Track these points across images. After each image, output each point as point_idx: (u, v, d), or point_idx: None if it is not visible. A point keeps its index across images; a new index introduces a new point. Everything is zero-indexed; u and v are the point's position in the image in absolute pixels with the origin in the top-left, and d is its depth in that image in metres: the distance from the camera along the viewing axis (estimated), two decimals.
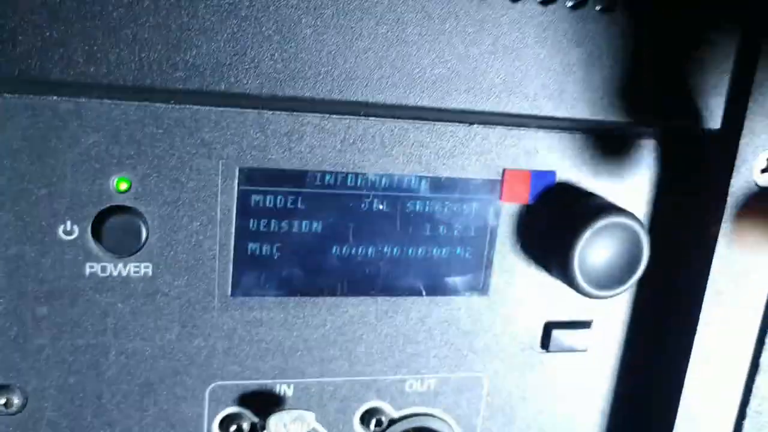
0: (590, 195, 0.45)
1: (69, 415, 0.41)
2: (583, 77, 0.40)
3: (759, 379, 0.48)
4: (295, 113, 0.39)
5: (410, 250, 0.44)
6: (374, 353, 0.45)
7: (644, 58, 0.40)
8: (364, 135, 0.41)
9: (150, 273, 0.40)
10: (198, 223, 0.40)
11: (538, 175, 0.44)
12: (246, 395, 0.43)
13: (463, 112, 0.39)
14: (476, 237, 0.45)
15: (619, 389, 0.51)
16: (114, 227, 0.37)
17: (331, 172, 0.41)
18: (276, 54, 0.35)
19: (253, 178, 0.40)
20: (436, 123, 0.42)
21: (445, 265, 0.44)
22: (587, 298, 0.45)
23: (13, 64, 0.32)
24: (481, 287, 0.46)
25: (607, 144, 0.45)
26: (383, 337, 0.45)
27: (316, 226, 0.42)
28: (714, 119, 0.43)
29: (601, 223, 0.42)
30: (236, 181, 0.39)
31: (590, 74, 0.40)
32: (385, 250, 0.43)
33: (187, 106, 0.38)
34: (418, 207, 0.43)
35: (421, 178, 0.43)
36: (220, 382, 0.43)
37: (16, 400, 0.39)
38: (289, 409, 0.43)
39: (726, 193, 0.43)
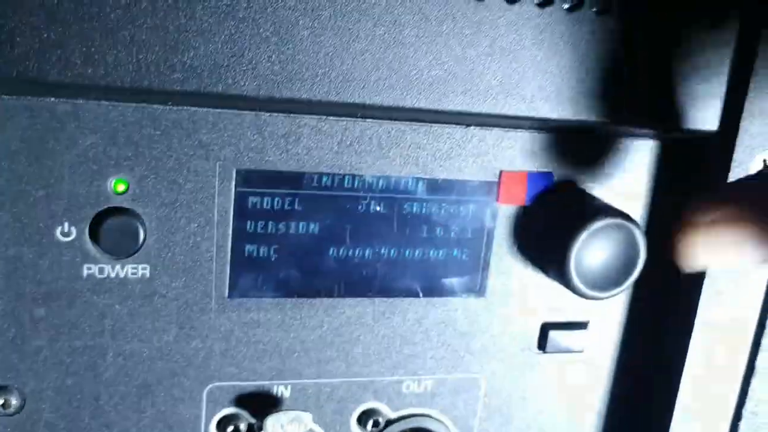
0: (587, 196, 0.46)
1: (67, 417, 0.41)
2: (580, 79, 0.40)
3: (755, 381, 0.48)
4: (292, 115, 0.40)
5: (407, 252, 0.44)
6: (371, 354, 0.45)
7: (641, 60, 0.41)
8: (361, 137, 0.41)
9: (147, 274, 0.40)
10: (195, 225, 0.40)
11: (534, 176, 0.45)
12: (243, 396, 0.43)
13: (460, 113, 0.39)
14: (473, 238, 0.45)
15: (615, 390, 0.51)
16: (111, 229, 0.38)
17: (328, 174, 0.41)
18: (273, 56, 0.35)
19: (250, 179, 0.40)
20: (433, 125, 0.42)
21: (442, 266, 0.45)
22: (584, 299, 0.45)
23: (10, 65, 0.32)
24: (478, 288, 0.46)
25: (604, 146, 0.46)
26: (380, 338, 0.45)
27: (314, 227, 0.42)
28: (710, 121, 0.43)
29: (598, 224, 0.42)
30: (233, 183, 0.40)
31: (587, 76, 0.40)
32: (382, 251, 0.43)
33: (185, 107, 0.38)
34: (415, 209, 0.43)
35: (418, 179, 0.43)
36: (217, 383, 0.43)
37: (14, 401, 0.39)
38: (287, 410, 0.43)
39: None
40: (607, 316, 0.50)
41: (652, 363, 0.49)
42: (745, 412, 0.48)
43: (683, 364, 0.47)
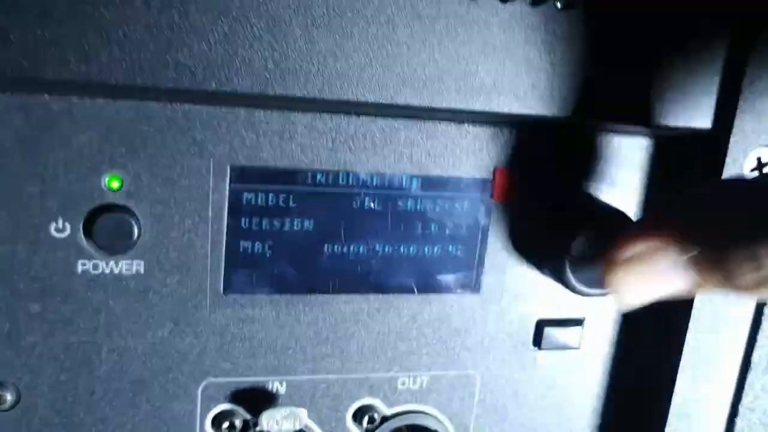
0: (581, 194, 0.46)
1: (62, 412, 0.41)
2: (574, 77, 0.40)
3: (751, 377, 0.48)
4: (286, 112, 0.40)
5: (402, 248, 0.44)
6: (366, 351, 0.45)
7: (635, 58, 0.41)
8: (356, 134, 0.41)
9: (142, 271, 0.40)
10: (190, 221, 0.40)
11: (529, 173, 0.45)
12: (238, 392, 0.44)
13: (453, 111, 0.39)
14: (468, 235, 0.45)
15: (611, 386, 0.51)
16: (106, 225, 0.38)
17: (322, 171, 0.41)
18: (267, 53, 0.35)
19: (244, 176, 0.40)
20: (428, 122, 0.42)
21: (437, 263, 0.45)
22: (579, 296, 0.45)
23: (5, 62, 0.32)
24: (473, 285, 0.46)
25: (599, 143, 0.46)
26: (375, 334, 0.45)
27: (308, 224, 0.42)
28: (704, 118, 0.43)
29: (592, 222, 0.43)
30: (227, 180, 0.40)
31: (580, 74, 0.40)
32: (377, 248, 0.43)
33: (179, 105, 0.38)
34: (409, 205, 0.43)
35: (412, 176, 0.43)
36: (212, 380, 0.43)
37: (9, 397, 0.39)
38: (282, 406, 0.43)
39: None
40: (603, 313, 0.50)
41: (648, 359, 0.49)
42: (742, 407, 0.49)
43: (679, 360, 0.47)
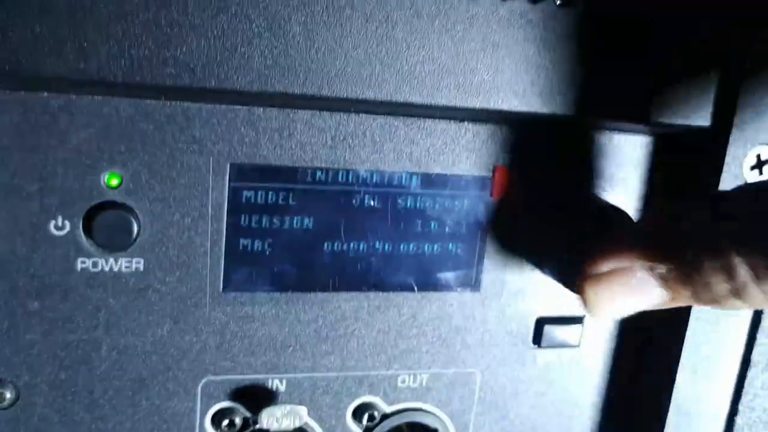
0: (581, 192, 0.46)
1: (61, 410, 0.41)
2: (573, 74, 0.40)
3: (751, 374, 0.48)
4: (285, 110, 0.40)
5: (402, 246, 0.44)
6: (366, 348, 0.45)
7: (634, 55, 0.41)
8: (355, 131, 0.41)
9: (141, 268, 0.40)
10: (189, 219, 0.40)
11: (528, 171, 0.45)
12: (238, 390, 0.44)
13: (453, 108, 0.39)
14: (468, 233, 0.45)
15: (611, 384, 0.51)
16: (105, 223, 0.38)
17: (322, 169, 0.41)
18: (266, 50, 0.35)
19: (244, 174, 0.40)
20: (427, 119, 0.42)
21: (437, 261, 0.45)
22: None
23: (3, 59, 0.32)
24: (472, 283, 0.46)
25: (598, 141, 0.46)
26: (375, 332, 0.45)
27: (308, 222, 0.42)
28: (703, 116, 0.43)
29: (591, 220, 0.43)
30: (227, 177, 0.40)
31: (580, 71, 0.40)
32: (377, 246, 0.43)
33: (178, 102, 0.38)
34: (409, 203, 0.43)
35: (412, 174, 0.43)
36: (212, 377, 0.43)
37: (8, 395, 0.39)
38: (282, 403, 0.43)
39: (716, 191, 0.43)
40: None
41: (648, 357, 0.49)
42: (741, 406, 0.48)
43: (679, 358, 0.47)
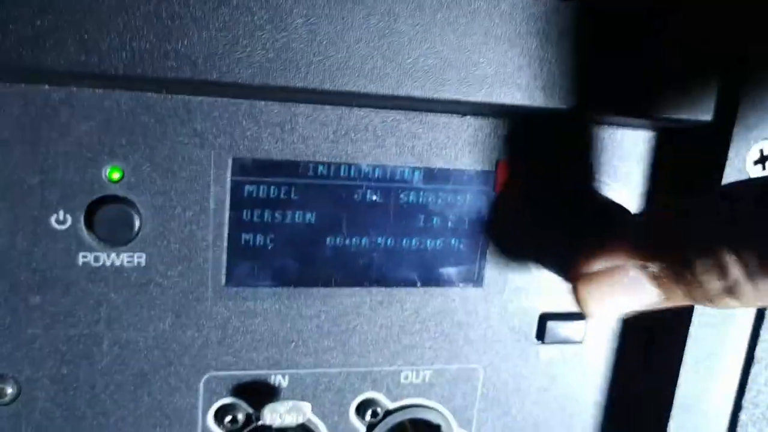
0: (584, 187, 0.45)
1: (62, 405, 0.41)
2: (576, 69, 0.40)
3: (754, 371, 0.48)
4: (287, 103, 0.40)
5: (404, 241, 0.44)
6: (369, 344, 0.45)
7: (636, 49, 0.41)
8: (357, 125, 0.41)
9: (143, 263, 0.40)
10: (191, 213, 0.40)
11: (531, 166, 0.44)
12: (241, 386, 0.43)
13: (455, 102, 0.39)
14: (470, 228, 0.45)
15: (614, 380, 0.51)
16: (107, 217, 0.38)
17: (324, 163, 0.41)
18: (268, 43, 0.35)
19: (245, 168, 0.40)
20: (429, 114, 0.42)
21: (440, 256, 0.45)
22: None
23: (4, 52, 0.32)
24: (475, 278, 0.46)
25: (601, 136, 0.46)
26: (378, 328, 0.45)
27: (310, 216, 0.42)
28: (706, 111, 0.43)
29: (595, 215, 0.42)
30: (229, 172, 0.40)
31: (582, 66, 0.40)
32: (379, 240, 0.43)
33: (179, 95, 0.38)
34: (411, 198, 0.43)
35: (414, 169, 0.43)
36: (214, 373, 0.43)
37: (9, 390, 0.39)
38: (285, 399, 0.43)
39: (719, 186, 0.43)
40: None
41: (651, 353, 0.49)
42: (745, 402, 0.48)
43: (683, 354, 0.46)
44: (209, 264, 0.41)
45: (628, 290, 0.35)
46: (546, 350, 0.49)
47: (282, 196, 0.41)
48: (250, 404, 0.44)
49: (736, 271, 0.31)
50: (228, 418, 0.43)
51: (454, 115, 0.42)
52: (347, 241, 0.43)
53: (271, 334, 0.43)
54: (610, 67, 0.40)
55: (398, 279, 0.44)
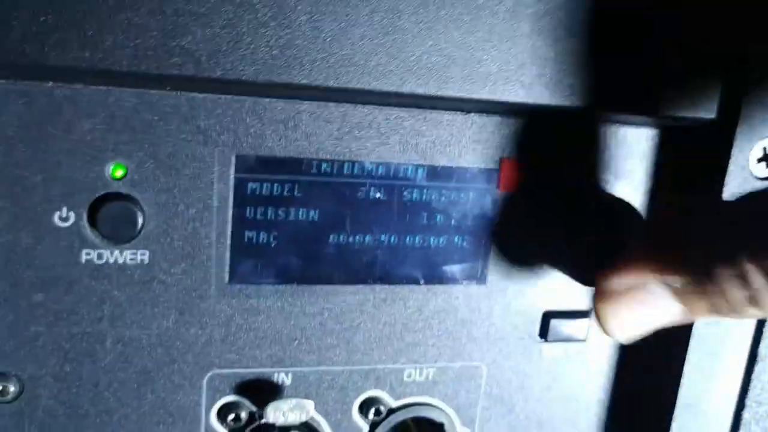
0: (587, 185, 0.45)
1: (65, 404, 0.41)
2: (579, 66, 0.40)
3: (758, 369, 0.48)
4: (291, 100, 0.39)
5: (408, 239, 0.44)
6: (372, 342, 0.45)
7: (640, 47, 0.40)
8: (361, 123, 0.41)
9: (147, 260, 0.40)
10: (194, 211, 0.40)
11: (535, 164, 0.44)
12: (244, 384, 0.43)
13: (459, 100, 0.39)
14: (474, 226, 0.45)
15: (617, 379, 0.51)
16: (110, 214, 0.37)
17: (327, 160, 0.41)
18: (272, 40, 0.35)
19: (249, 165, 0.40)
20: (433, 111, 0.42)
21: (443, 253, 0.44)
22: (586, 288, 0.45)
23: (7, 49, 0.32)
24: (479, 276, 0.46)
25: (604, 133, 0.45)
26: (381, 325, 0.45)
27: (313, 214, 0.42)
28: (709, 108, 0.43)
29: (599, 212, 0.42)
30: (232, 169, 0.39)
31: (586, 63, 0.40)
32: (383, 238, 0.43)
33: (183, 92, 0.38)
34: (415, 195, 0.43)
35: (418, 166, 0.42)
36: (217, 371, 0.43)
37: (12, 388, 0.39)
38: (288, 397, 0.43)
39: (722, 183, 0.43)
40: None
41: (655, 351, 0.49)
42: (749, 400, 0.48)
43: (686, 353, 0.46)
44: (212, 261, 0.41)
45: (651, 307, 0.35)
46: (549, 348, 0.49)
47: (285, 193, 0.41)
48: (254, 402, 0.44)
49: (758, 279, 0.31)
50: (231, 416, 0.43)
51: (458, 112, 0.42)
52: (350, 239, 0.43)
53: (274, 331, 0.43)
54: (614, 65, 0.40)
55: (401, 277, 0.44)
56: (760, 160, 0.44)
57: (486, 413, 0.49)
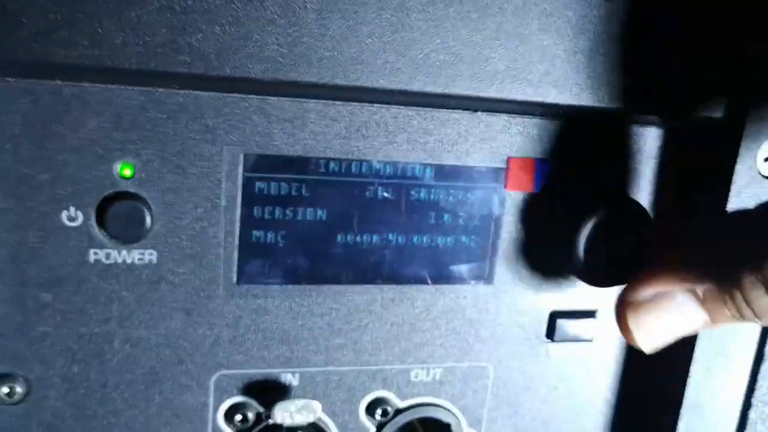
0: (595, 183, 0.45)
1: (73, 405, 0.40)
2: (586, 64, 0.40)
3: (764, 368, 0.48)
4: (298, 99, 0.39)
5: (415, 238, 0.43)
6: (380, 342, 0.45)
7: (647, 45, 0.40)
8: (368, 122, 0.41)
9: (154, 260, 0.39)
10: (202, 210, 0.39)
11: (542, 163, 0.44)
12: (251, 384, 0.43)
13: (467, 98, 0.39)
14: (481, 225, 0.44)
15: (624, 378, 0.51)
16: (118, 213, 0.37)
17: (335, 159, 0.41)
18: (280, 38, 0.35)
19: (257, 164, 0.40)
20: (441, 110, 0.42)
21: (450, 253, 0.44)
22: (592, 288, 0.45)
23: (15, 47, 0.32)
24: (486, 276, 0.45)
25: (611, 132, 0.45)
26: (389, 325, 0.45)
27: (321, 213, 0.41)
28: (716, 108, 0.43)
29: (606, 213, 0.42)
30: (240, 168, 0.39)
31: (594, 61, 0.40)
32: (390, 238, 0.43)
33: (191, 91, 0.38)
34: (422, 195, 0.43)
35: (425, 165, 0.42)
36: (225, 371, 0.42)
37: (19, 389, 0.39)
38: (296, 398, 0.43)
39: (729, 182, 0.43)
40: None
41: (661, 351, 0.49)
42: (755, 400, 0.48)
43: (692, 352, 0.46)
44: (220, 261, 0.40)
45: (676, 316, 0.35)
46: (556, 348, 0.49)
47: (293, 192, 0.41)
48: (261, 403, 0.43)
49: None
50: (238, 417, 0.43)
51: (466, 111, 0.42)
52: (358, 239, 0.42)
53: (281, 332, 0.43)
54: (621, 64, 0.40)
55: (409, 276, 0.44)
56: (767, 159, 0.44)
57: (493, 413, 0.49)
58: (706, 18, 0.41)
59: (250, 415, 0.43)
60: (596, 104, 0.41)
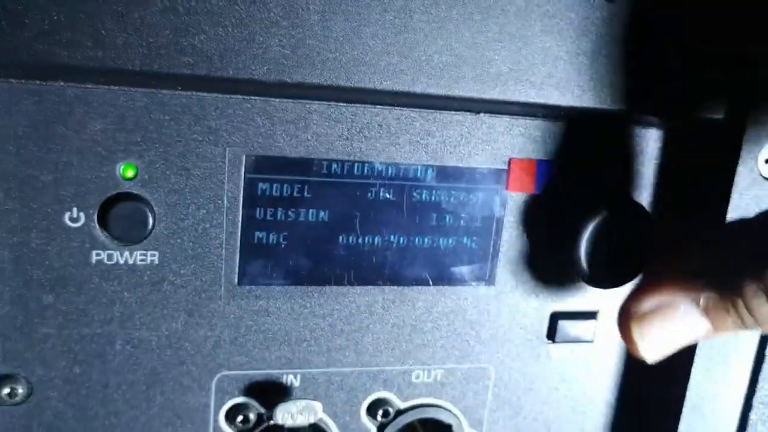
0: (596, 184, 0.45)
1: (74, 406, 0.40)
2: (589, 66, 0.40)
3: (765, 370, 0.48)
4: (301, 101, 0.39)
5: (417, 240, 0.43)
6: (381, 343, 0.45)
7: (649, 47, 0.40)
8: (371, 123, 0.41)
9: (156, 261, 0.39)
10: (204, 211, 0.39)
11: (544, 164, 0.44)
12: (253, 385, 0.43)
13: (469, 100, 0.39)
14: (483, 226, 0.44)
15: (625, 380, 0.51)
16: (120, 215, 0.37)
17: (337, 161, 0.41)
18: (283, 40, 0.35)
19: (259, 166, 0.40)
20: (443, 112, 0.42)
21: (452, 254, 0.44)
22: (593, 289, 0.45)
23: (19, 48, 0.32)
24: (487, 277, 0.45)
25: (613, 133, 0.45)
26: (390, 327, 0.45)
27: (323, 214, 0.41)
28: (718, 109, 0.43)
29: (608, 214, 0.42)
30: (243, 169, 0.39)
31: (596, 63, 0.40)
32: (392, 239, 0.43)
33: (194, 92, 0.38)
34: (424, 196, 0.43)
35: (427, 167, 0.42)
36: (226, 372, 0.42)
37: (21, 390, 0.39)
38: (297, 399, 0.43)
39: (731, 184, 0.43)
40: (617, 306, 0.49)
41: None
42: (755, 401, 0.48)
43: (693, 353, 0.46)
44: (222, 262, 0.40)
45: (679, 325, 0.35)
46: (557, 349, 0.49)
47: (295, 193, 0.41)
48: (262, 404, 0.43)
49: None
50: (240, 418, 0.43)
51: (468, 112, 0.42)
52: (360, 240, 0.42)
53: (283, 333, 0.43)
54: (623, 65, 0.40)
55: (411, 278, 0.44)
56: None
57: (494, 414, 0.49)
58: (707, 19, 0.41)
59: (252, 416, 0.43)
60: (598, 106, 0.41)
